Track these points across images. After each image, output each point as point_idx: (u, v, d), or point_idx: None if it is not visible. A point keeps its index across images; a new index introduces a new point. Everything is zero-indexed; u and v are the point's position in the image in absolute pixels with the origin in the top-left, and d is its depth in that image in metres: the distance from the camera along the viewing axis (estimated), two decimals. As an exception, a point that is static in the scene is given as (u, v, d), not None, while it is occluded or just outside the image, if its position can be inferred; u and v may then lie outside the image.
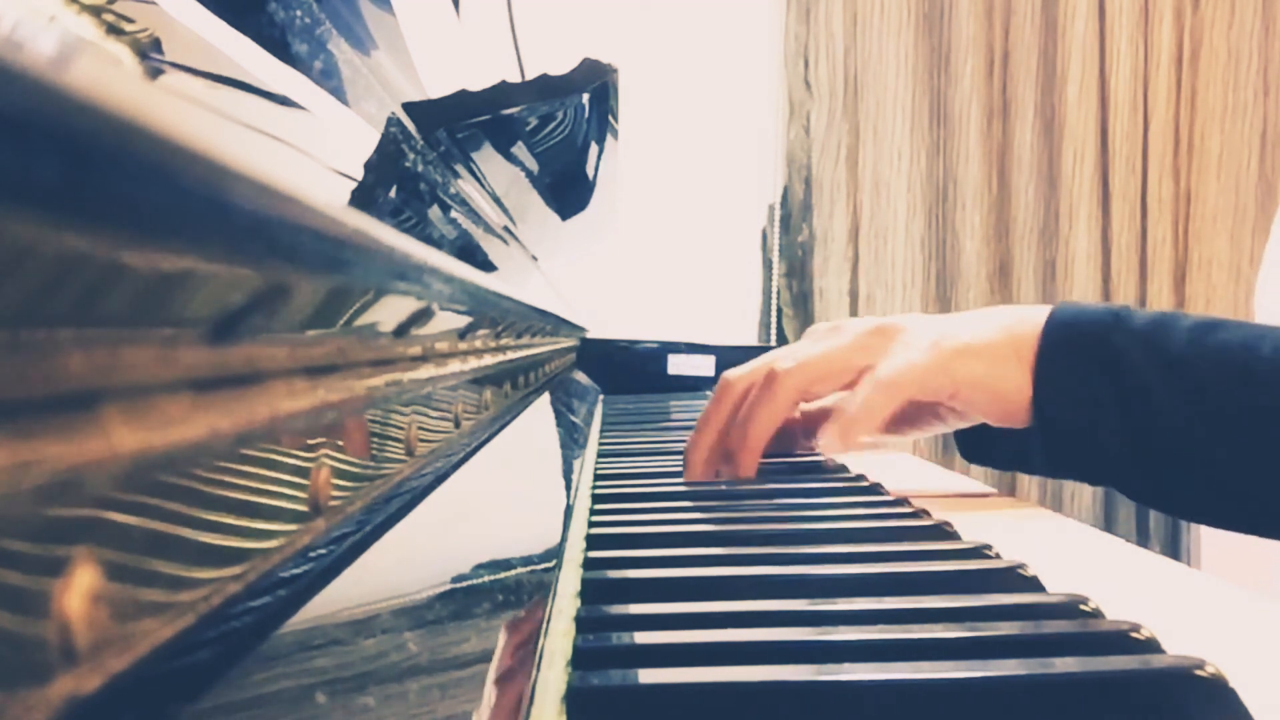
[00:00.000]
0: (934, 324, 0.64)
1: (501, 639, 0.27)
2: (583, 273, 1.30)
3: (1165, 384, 0.58)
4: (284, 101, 0.26)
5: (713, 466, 0.65)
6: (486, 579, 0.32)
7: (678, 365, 1.37)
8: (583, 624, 0.32)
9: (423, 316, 0.29)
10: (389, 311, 0.26)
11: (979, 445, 0.69)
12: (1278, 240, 0.87)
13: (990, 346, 0.61)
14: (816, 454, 0.73)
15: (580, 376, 1.27)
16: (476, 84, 0.66)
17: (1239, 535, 0.63)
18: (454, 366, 0.37)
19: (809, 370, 0.63)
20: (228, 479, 0.17)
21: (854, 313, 2.00)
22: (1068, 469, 0.63)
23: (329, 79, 0.32)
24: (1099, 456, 0.60)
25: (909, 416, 0.66)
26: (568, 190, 0.90)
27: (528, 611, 0.31)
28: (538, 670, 0.27)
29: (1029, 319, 0.62)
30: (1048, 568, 0.38)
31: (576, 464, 0.64)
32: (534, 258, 0.77)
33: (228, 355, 0.16)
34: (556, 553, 0.40)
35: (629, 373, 1.37)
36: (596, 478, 0.63)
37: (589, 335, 1.37)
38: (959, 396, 0.61)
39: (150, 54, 0.17)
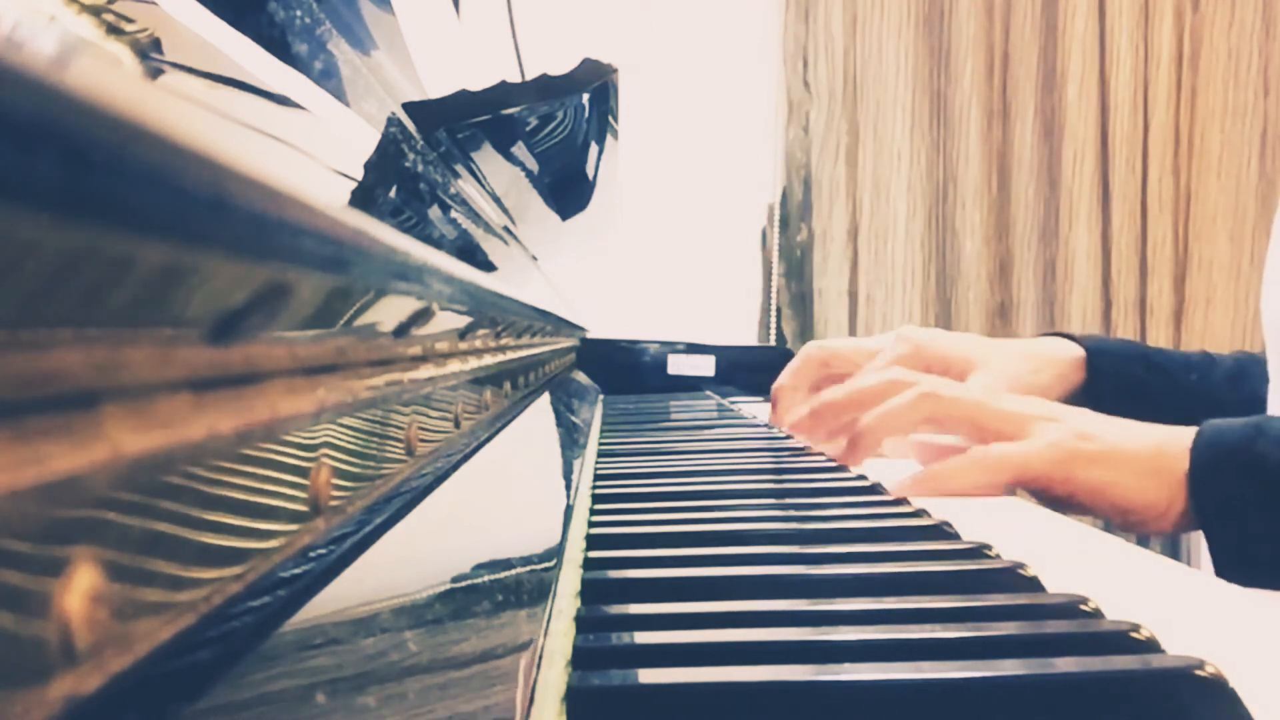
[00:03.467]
0: (1088, 423, 0.66)
1: None
2: (583, 273, 1.30)
3: None
4: (284, 101, 0.26)
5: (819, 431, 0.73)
6: (486, 579, 0.32)
7: (678, 365, 1.37)
8: (583, 624, 0.32)
9: (423, 316, 0.29)
10: (389, 311, 0.26)
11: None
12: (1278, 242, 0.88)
13: (1130, 457, 0.64)
14: (818, 455, 0.73)
15: (580, 376, 1.27)
16: (476, 84, 0.66)
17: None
18: (454, 366, 0.37)
19: (957, 409, 0.68)
20: (228, 479, 0.17)
21: (853, 313, 2.00)
22: (1235, 575, 0.65)
23: (329, 79, 0.32)
24: (1256, 557, 0.63)
25: (1036, 492, 0.69)
26: (568, 190, 0.90)
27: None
28: (538, 670, 0.27)
29: (1177, 437, 0.64)
30: (1047, 568, 0.38)
31: (576, 464, 0.64)
32: (534, 258, 0.77)
33: (228, 355, 0.16)
34: (556, 553, 0.40)
35: (629, 373, 1.37)
36: (596, 478, 0.63)
37: (589, 335, 1.37)
38: (1077, 498, 0.64)
39: (150, 54, 0.17)
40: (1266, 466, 0.62)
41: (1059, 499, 0.66)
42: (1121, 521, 0.66)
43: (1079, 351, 0.90)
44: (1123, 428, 0.67)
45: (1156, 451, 0.64)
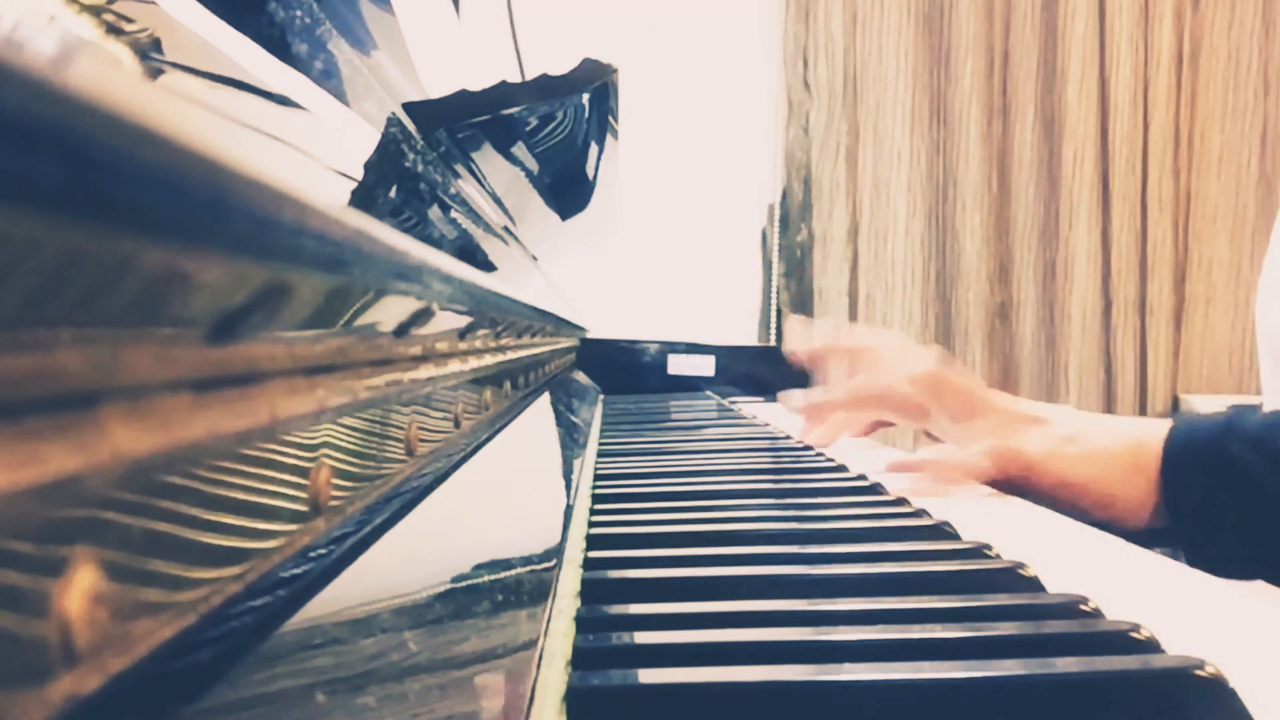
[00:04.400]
0: (1073, 424, 0.70)
1: None
2: (583, 273, 1.30)
3: (1278, 479, 0.62)
4: (284, 101, 0.26)
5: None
6: (486, 579, 0.32)
7: (678, 365, 1.37)
8: (583, 624, 0.32)
9: (423, 316, 0.29)
10: (389, 311, 0.26)
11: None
12: (1277, 246, 0.88)
13: (1108, 455, 0.67)
14: (818, 455, 0.73)
15: (580, 376, 1.27)
16: (476, 84, 0.66)
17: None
18: (454, 366, 0.37)
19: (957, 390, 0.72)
20: (228, 479, 0.17)
21: (853, 313, 2.00)
22: (1202, 565, 0.68)
23: (329, 79, 0.32)
24: (1227, 552, 0.65)
25: (1030, 494, 0.72)
26: (568, 190, 0.90)
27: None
28: (538, 670, 0.27)
29: (1154, 433, 0.67)
30: (1047, 567, 0.38)
31: (576, 464, 0.64)
32: (534, 258, 0.77)
33: (228, 355, 0.16)
34: (556, 553, 0.40)
35: (629, 373, 1.37)
36: (596, 478, 0.63)
37: (589, 335, 1.37)
38: (1059, 495, 0.67)
39: (150, 54, 0.17)
40: (1235, 465, 0.63)
41: (1045, 494, 0.68)
42: (1105, 516, 0.67)
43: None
44: (1102, 426, 0.69)
45: (1134, 447, 0.66)
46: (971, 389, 0.72)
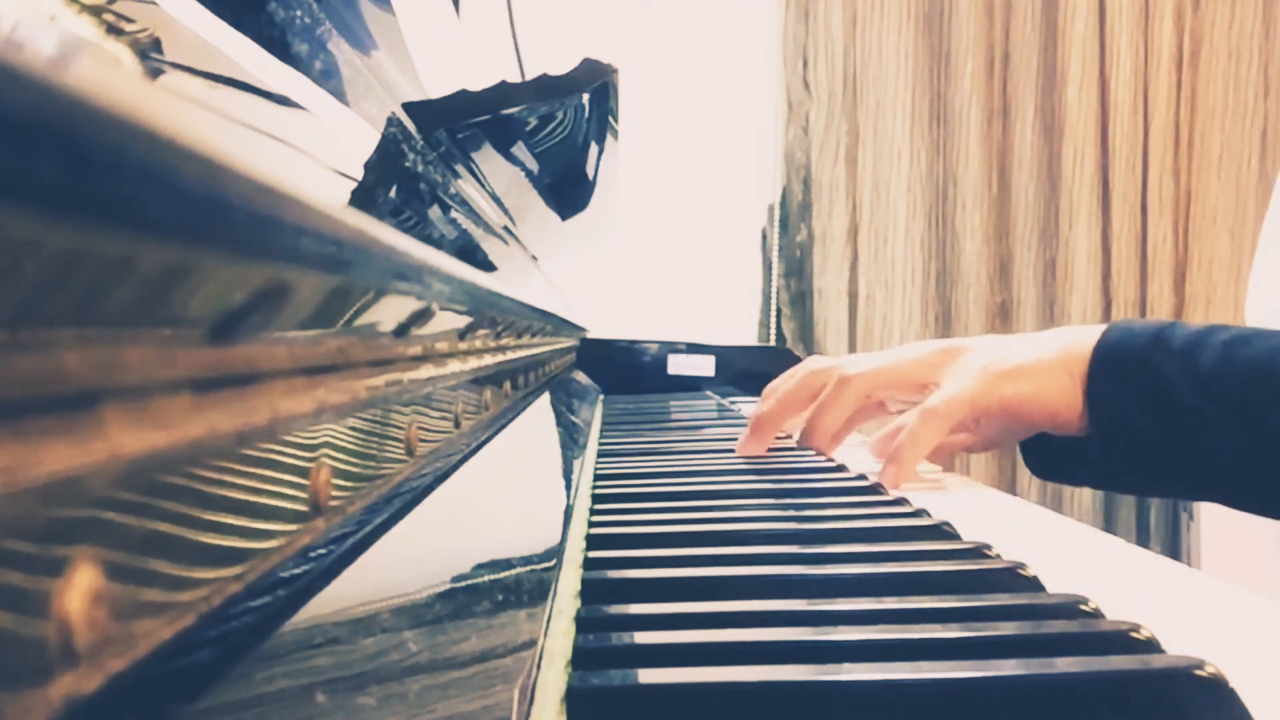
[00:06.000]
0: (994, 346, 0.71)
1: None
2: (583, 273, 1.30)
3: (1199, 398, 0.63)
4: (284, 101, 0.26)
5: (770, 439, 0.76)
6: (486, 579, 0.32)
7: (678, 365, 1.37)
8: (583, 624, 0.32)
9: (423, 316, 0.29)
10: (389, 311, 0.26)
11: (1044, 463, 0.75)
12: (1267, 243, 0.89)
13: (1041, 365, 0.68)
14: (818, 454, 0.73)
15: (580, 376, 1.27)
16: (476, 84, 0.66)
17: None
18: (454, 366, 0.37)
19: (874, 378, 0.73)
20: (228, 479, 0.17)
21: (853, 313, 2.00)
22: (1119, 478, 0.70)
23: (329, 79, 0.32)
24: (1145, 464, 0.66)
25: (983, 432, 0.74)
26: (568, 190, 0.90)
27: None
28: (538, 670, 0.27)
29: (1084, 339, 0.68)
30: (1047, 567, 0.38)
31: (576, 464, 0.64)
32: (534, 258, 0.77)
33: (228, 355, 0.16)
34: (556, 553, 0.40)
35: (629, 373, 1.37)
36: (596, 478, 0.63)
37: (589, 335, 1.37)
38: (1009, 411, 0.68)
39: (150, 54, 0.17)
40: (1158, 379, 0.64)
41: (995, 419, 0.69)
42: (1052, 426, 0.68)
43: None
44: (1026, 342, 0.70)
45: (1063, 355, 0.67)
46: (890, 375, 0.72)
